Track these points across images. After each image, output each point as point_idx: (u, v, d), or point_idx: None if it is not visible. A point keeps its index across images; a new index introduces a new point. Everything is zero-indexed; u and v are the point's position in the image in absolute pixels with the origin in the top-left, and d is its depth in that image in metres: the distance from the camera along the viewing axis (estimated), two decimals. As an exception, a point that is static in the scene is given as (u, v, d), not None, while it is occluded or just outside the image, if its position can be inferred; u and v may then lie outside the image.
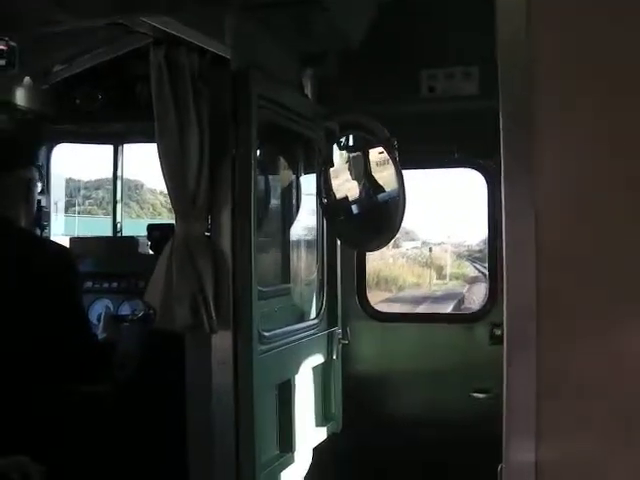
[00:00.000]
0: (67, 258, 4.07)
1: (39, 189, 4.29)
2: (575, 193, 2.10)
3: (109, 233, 6.70)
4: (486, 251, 6.16)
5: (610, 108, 2.08)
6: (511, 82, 2.14)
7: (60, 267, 3.99)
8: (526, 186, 2.09)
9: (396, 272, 26.07)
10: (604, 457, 2.10)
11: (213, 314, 4.09)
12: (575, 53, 2.10)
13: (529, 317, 2.09)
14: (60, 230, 6.91)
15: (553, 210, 2.11)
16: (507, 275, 2.14)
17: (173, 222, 4.25)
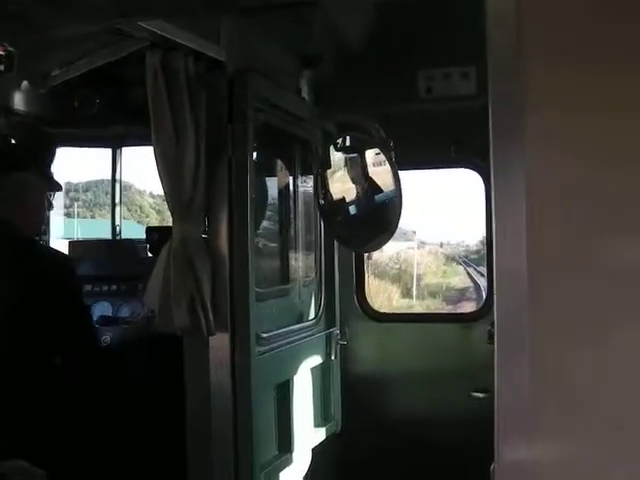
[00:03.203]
0: (66, 265, 4.09)
1: (50, 194, 4.27)
2: (568, 192, 2.11)
3: (102, 235, 6.73)
4: (482, 253, 6.18)
5: (604, 106, 2.09)
6: (501, 84, 2.15)
7: (59, 274, 4.00)
8: (517, 187, 2.10)
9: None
10: (596, 457, 2.10)
11: (211, 316, 4.11)
12: (569, 53, 2.11)
13: (520, 316, 2.10)
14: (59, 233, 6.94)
15: (545, 209, 2.12)
16: (497, 275, 2.15)
17: (170, 224, 4.26)
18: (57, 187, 4.27)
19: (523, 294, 2.09)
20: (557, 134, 2.11)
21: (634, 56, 2.06)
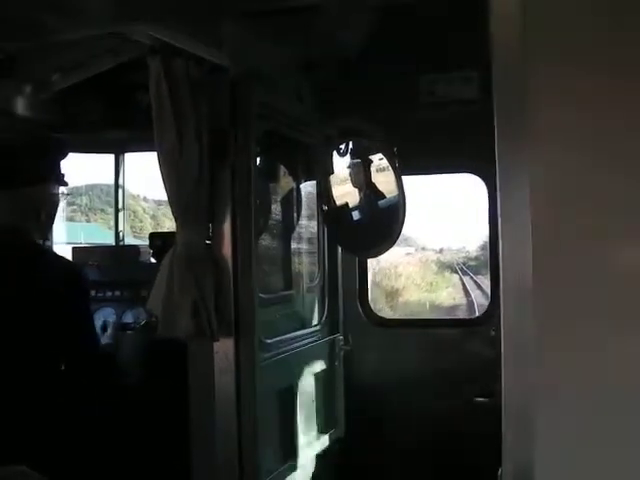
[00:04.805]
0: (76, 274, 4.08)
1: (59, 201, 4.24)
2: (574, 194, 2.10)
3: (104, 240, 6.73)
4: (482, 259, 6.17)
5: (611, 107, 2.08)
6: (506, 88, 2.15)
7: (69, 282, 3.99)
8: (522, 191, 2.09)
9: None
10: (604, 460, 2.09)
11: (214, 322, 4.10)
12: (573, 56, 2.10)
13: (525, 318, 2.09)
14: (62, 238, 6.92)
15: (551, 211, 2.11)
16: (504, 278, 2.14)
17: (174, 230, 4.25)
18: (65, 184, 4.29)
19: (529, 297, 2.08)
20: (563, 136, 2.10)
21: (640, 57, 2.05)
